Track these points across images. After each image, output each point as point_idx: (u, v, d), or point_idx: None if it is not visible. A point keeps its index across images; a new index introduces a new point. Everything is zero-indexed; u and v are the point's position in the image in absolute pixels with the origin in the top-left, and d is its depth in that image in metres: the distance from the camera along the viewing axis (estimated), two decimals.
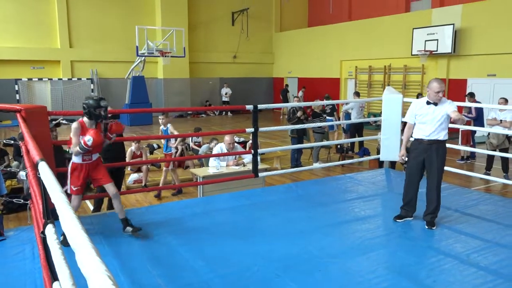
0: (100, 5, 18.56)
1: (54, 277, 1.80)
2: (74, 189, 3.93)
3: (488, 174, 7.82)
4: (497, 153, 7.37)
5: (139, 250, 3.78)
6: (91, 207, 6.02)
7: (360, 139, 9.34)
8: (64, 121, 16.95)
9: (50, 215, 1.99)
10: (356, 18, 19.28)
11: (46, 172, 2.17)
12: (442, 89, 4.29)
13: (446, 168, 4.56)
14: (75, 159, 3.91)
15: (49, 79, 18.00)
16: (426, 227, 4.41)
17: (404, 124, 6.58)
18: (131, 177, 7.63)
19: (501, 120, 7.78)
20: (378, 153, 7.14)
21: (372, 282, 3.24)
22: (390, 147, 6.75)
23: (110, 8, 18.79)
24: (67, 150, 7.59)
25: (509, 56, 12.97)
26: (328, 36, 19.73)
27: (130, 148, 7.52)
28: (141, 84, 17.26)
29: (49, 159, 3.57)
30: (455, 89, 14.02)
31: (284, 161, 9.32)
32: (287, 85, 21.66)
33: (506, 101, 8.48)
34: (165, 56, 16.47)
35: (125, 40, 18.67)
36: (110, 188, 3.99)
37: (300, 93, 19.51)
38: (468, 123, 9.44)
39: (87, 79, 18.68)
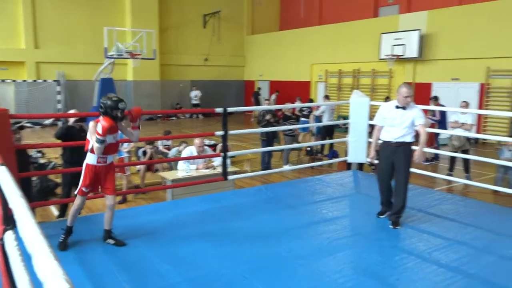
0: (67, 5, 18.14)
1: (13, 284, 1.76)
2: (84, 190, 3.87)
3: (451, 175, 8.10)
4: (458, 155, 7.66)
5: (105, 256, 3.72)
6: (56, 213, 5.88)
7: (329, 141, 9.49)
8: (28, 124, 16.48)
9: (10, 221, 1.95)
10: (327, 22, 19.61)
11: (5, 177, 2.12)
12: (411, 94, 4.49)
13: (411, 169, 4.71)
14: (89, 161, 3.83)
15: (13, 80, 17.43)
16: (391, 226, 4.53)
17: (371, 126, 6.77)
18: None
19: (462, 123, 8.07)
20: (347, 155, 7.28)
21: (338, 282, 3.31)
22: (358, 149, 6.91)
23: (77, 9, 18.39)
24: (31, 154, 7.38)
25: (472, 61, 13.50)
26: (299, 40, 19.97)
27: None
28: (110, 86, 16.91)
29: (10, 163, 3.47)
30: (421, 93, 14.45)
31: (254, 164, 9.37)
32: (259, 88, 21.74)
33: (467, 104, 8.82)
34: (135, 58, 16.25)
35: (93, 41, 18.28)
36: (110, 200, 3.93)
37: (273, 97, 19.62)
38: (432, 126, 9.76)
39: (54, 81, 18.20)
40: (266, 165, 8.98)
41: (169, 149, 8.93)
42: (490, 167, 8.57)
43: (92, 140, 3.72)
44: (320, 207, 5.32)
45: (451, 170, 8.46)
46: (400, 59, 15.15)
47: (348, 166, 7.80)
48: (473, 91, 13.58)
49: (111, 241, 3.94)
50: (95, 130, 3.66)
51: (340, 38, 17.80)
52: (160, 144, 9.13)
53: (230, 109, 5.69)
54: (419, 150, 4.52)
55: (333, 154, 10.19)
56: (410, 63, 15.36)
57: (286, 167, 8.60)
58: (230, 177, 5.94)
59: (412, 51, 14.68)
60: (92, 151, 3.78)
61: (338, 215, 5.09)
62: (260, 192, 5.94)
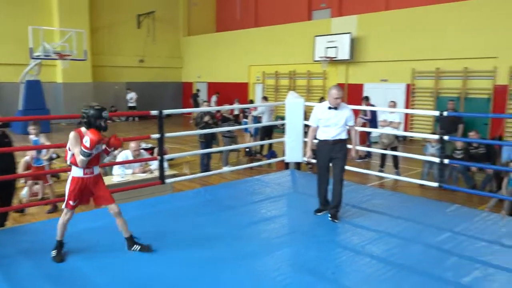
0: None
1: None
2: (72, 204, 3.65)
3: (382, 171, 8.54)
4: (388, 152, 8.09)
5: (33, 269, 3.49)
6: None
7: (267, 141, 9.62)
8: None
9: None
10: (262, 24, 19.87)
11: None
12: (340, 96, 4.71)
13: (345, 166, 4.92)
14: (76, 173, 3.63)
15: None
16: (330, 219, 4.74)
17: (307, 126, 6.97)
18: (26, 190, 7.01)
19: (390, 121, 8.53)
20: (284, 155, 7.42)
21: (277, 280, 3.36)
22: (295, 149, 7.07)
23: None
24: None
25: (398, 63, 14.33)
26: (236, 42, 20.05)
27: (25, 159, 6.91)
28: (37, 88, 15.98)
29: None
30: (354, 93, 15.09)
31: (193, 166, 9.27)
32: (198, 90, 21.51)
33: (395, 104, 9.35)
34: (64, 59, 15.46)
35: (17, 41, 17.04)
36: (113, 208, 3.74)
37: (214, 98, 19.51)
38: (364, 125, 10.24)
39: None
40: (205, 167, 8.91)
41: None
42: (417, 162, 9.12)
43: (72, 151, 3.58)
44: (259, 207, 5.37)
45: (382, 166, 8.91)
46: (333, 61, 15.71)
47: (286, 165, 7.95)
48: (400, 92, 14.42)
49: (137, 247, 3.81)
50: (77, 142, 3.54)
51: (276, 40, 18.12)
52: None
53: (166, 111, 5.61)
54: (353, 150, 4.97)
55: (272, 154, 10.35)
56: (342, 65, 15.98)
57: (226, 169, 8.60)
58: (168, 181, 5.83)
59: (344, 53, 15.29)
60: (74, 163, 3.61)
61: (277, 214, 5.17)
62: (199, 194, 5.88)
